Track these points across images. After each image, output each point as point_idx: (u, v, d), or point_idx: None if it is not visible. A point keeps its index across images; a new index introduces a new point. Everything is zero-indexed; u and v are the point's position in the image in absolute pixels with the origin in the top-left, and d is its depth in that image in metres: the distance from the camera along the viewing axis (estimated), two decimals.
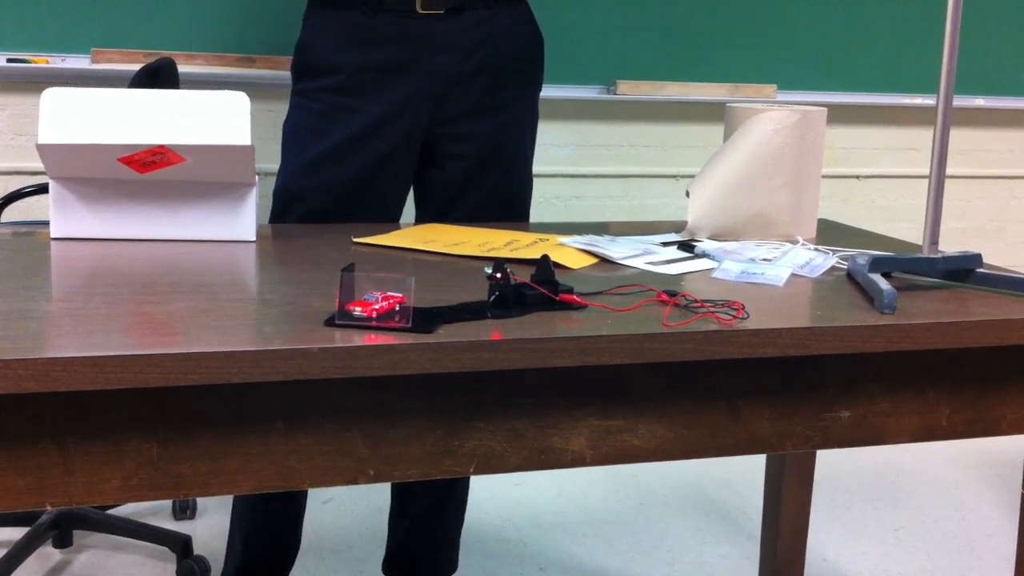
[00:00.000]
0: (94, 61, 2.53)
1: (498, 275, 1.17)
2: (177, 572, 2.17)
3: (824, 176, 3.29)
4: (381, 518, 2.51)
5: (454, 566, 2.11)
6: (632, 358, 1.11)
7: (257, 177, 1.52)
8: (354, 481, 1.09)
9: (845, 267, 1.48)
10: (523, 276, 1.23)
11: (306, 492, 2.03)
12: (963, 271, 1.43)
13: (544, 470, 1.18)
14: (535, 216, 3.00)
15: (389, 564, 2.10)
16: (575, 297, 1.20)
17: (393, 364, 1.04)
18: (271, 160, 2.30)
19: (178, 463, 1.04)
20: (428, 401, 1.10)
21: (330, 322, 1.09)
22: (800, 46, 3.09)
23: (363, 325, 1.09)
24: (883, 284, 1.27)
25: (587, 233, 1.64)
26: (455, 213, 1.88)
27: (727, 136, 1.67)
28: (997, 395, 1.31)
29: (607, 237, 1.60)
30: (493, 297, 1.17)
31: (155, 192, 1.50)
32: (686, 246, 1.56)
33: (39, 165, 2.60)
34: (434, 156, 1.87)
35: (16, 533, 2.31)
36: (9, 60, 2.49)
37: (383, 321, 1.09)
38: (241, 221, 1.51)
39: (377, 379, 1.08)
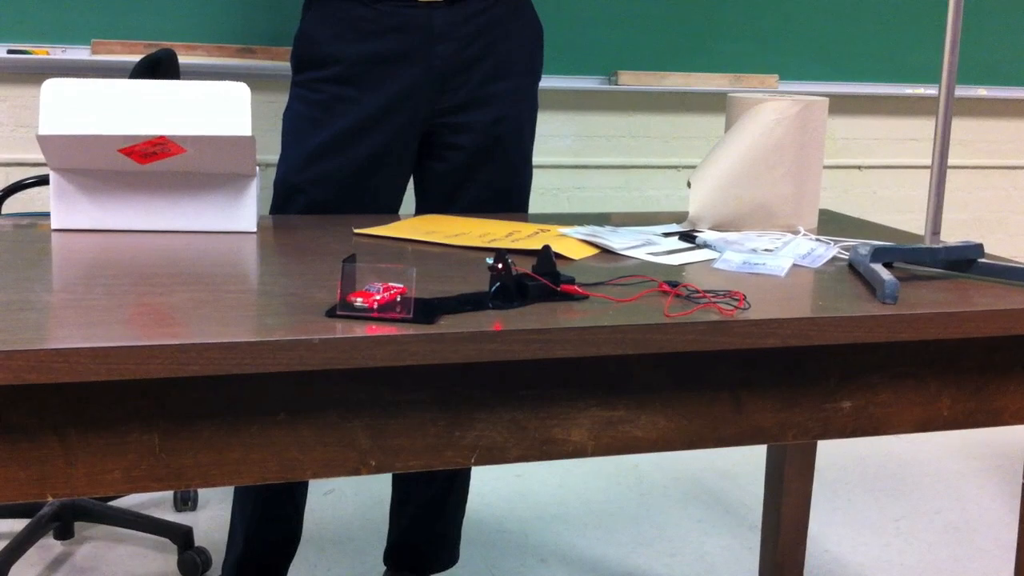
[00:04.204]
0: (94, 52, 2.52)
1: (499, 266, 1.17)
2: (178, 564, 2.17)
3: (825, 166, 3.29)
4: (382, 510, 2.51)
5: (455, 558, 2.11)
6: (633, 349, 1.11)
7: (258, 168, 1.52)
8: (356, 472, 1.09)
9: (846, 257, 1.48)
10: (524, 267, 1.23)
11: (307, 483, 2.03)
12: (964, 261, 1.42)
13: (545, 461, 1.18)
14: (536, 207, 3.00)
15: (390, 555, 2.10)
16: (576, 288, 1.20)
17: (394, 355, 1.04)
18: (271, 151, 2.29)
19: (180, 454, 1.04)
20: (429, 392, 1.10)
21: (331, 313, 1.09)
22: (802, 36, 3.08)
23: (364, 316, 1.08)
24: (885, 274, 1.27)
25: (588, 224, 1.64)
26: (455, 204, 1.88)
27: (728, 127, 1.67)
28: (998, 385, 1.31)
29: (608, 228, 1.60)
30: (494, 288, 1.17)
31: (156, 183, 1.50)
32: (687, 236, 1.56)
33: (40, 156, 2.59)
34: (434, 147, 1.87)
35: (17, 524, 2.31)
36: (9, 51, 2.49)
37: (384, 312, 1.09)
38: (242, 212, 1.51)
39: (378, 370, 1.08)
